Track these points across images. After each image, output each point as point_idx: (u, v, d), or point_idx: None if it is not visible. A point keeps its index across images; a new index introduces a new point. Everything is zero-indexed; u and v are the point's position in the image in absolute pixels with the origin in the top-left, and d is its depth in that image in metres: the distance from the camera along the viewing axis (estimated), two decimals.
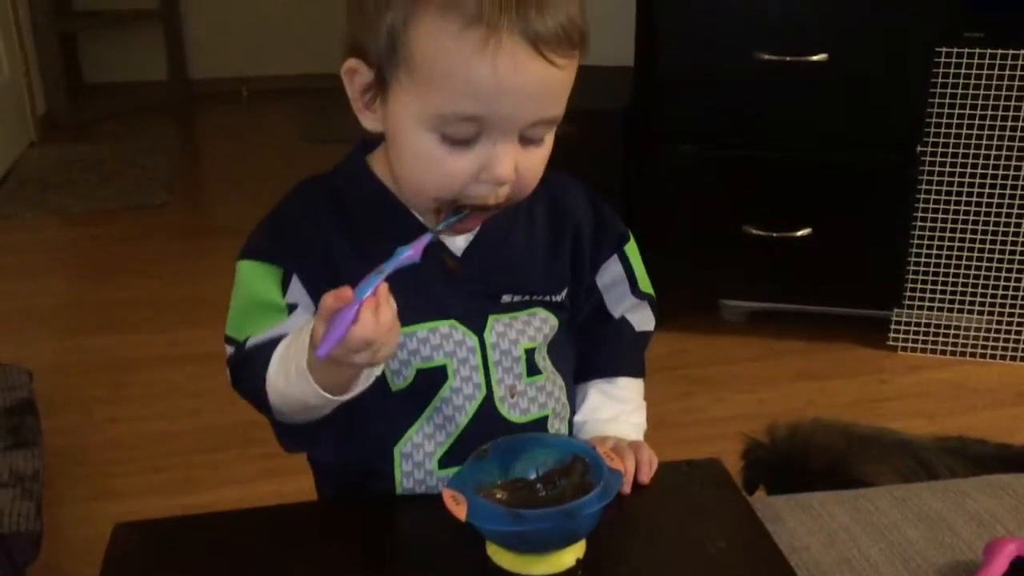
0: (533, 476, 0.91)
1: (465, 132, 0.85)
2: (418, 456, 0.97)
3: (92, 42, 4.91)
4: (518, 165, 0.87)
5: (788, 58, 2.39)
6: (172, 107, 4.86)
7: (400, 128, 0.88)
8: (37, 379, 2.17)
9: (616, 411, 1.06)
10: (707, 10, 2.46)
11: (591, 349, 1.07)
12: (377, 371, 0.89)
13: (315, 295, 0.89)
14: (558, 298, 1.01)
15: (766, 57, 2.39)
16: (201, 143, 4.75)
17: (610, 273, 1.05)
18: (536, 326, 0.99)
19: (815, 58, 2.38)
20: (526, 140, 0.87)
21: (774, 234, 2.54)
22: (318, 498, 1.06)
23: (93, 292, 3.06)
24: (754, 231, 2.54)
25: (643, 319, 1.09)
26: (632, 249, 1.06)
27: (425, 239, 0.83)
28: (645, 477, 0.98)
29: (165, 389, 2.47)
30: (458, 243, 0.96)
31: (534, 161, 0.89)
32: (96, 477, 2.13)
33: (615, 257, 1.05)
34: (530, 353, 0.99)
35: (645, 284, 1.07)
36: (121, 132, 4.48)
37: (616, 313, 1.07)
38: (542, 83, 0.83)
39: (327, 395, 0.86)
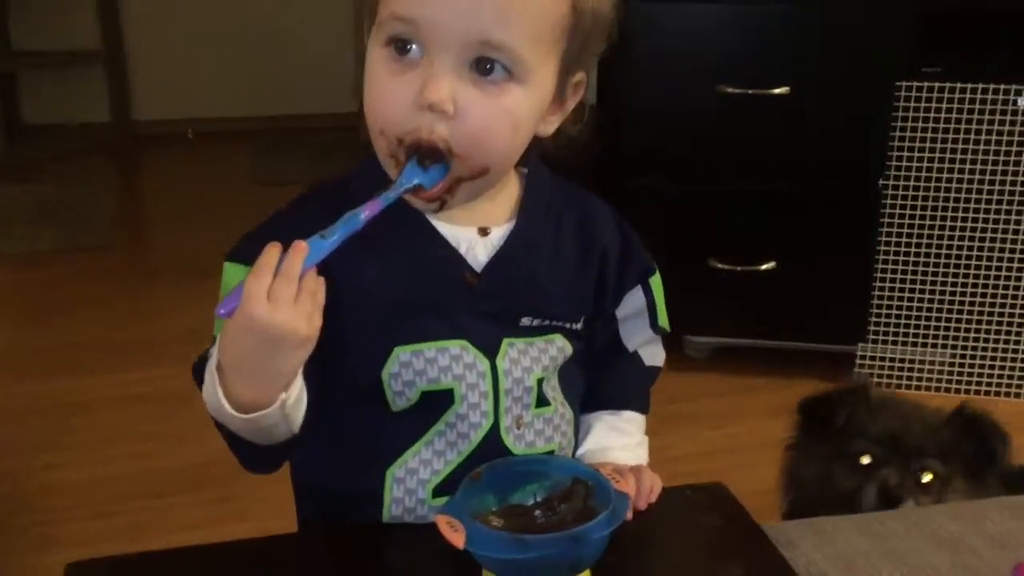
0: (531, 502, 0.85)
1: (402, 39, 0.81)
2: (411, 483, 0.90)
3: (33, 82, 4.80)
4: (462, 102, 0.81)
5: (751, 91, 2.39)
6: (115, 149, 4.76)
7: (366, 66, 0.85)
8: None
9: (621, 442, 1.02)
10: (670, 44, 2.44)
11: (600, 380, 1.02)
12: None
13: None
14: (577, 326, 0.96)
15: (729, 90, 2.38)
16: (145, 185, 4.65)
17: (631, 304, 1.00)
18: (552, 354, 0.94)
19: (777, 91, 2.38)
20: (478, 76, 0.81)
21: (738, 268, 2.51)
22: (297, 520, 0.99)
23: (35, 335, 2.94)
24: (719, 264, 2.51)
25: (654, 354, 1.05)
26: (656, 282, 1.01)
27: (374, 204, 0.80)
28: (643, 503, 0.93)
29: (111, 433, 2.36)
30: (479, 258, 0.90)
31: (486, 107, 0.82)
32: (39, 525, 2.03)
33: (638, 288, 1.00)
34: (541, 383, 0.93)
35: (663, 319, 1.02)
36: (63, 173, 4.37)
37: (631, 346, 1.02)
38: None
39: (226, 404, 0.80)
